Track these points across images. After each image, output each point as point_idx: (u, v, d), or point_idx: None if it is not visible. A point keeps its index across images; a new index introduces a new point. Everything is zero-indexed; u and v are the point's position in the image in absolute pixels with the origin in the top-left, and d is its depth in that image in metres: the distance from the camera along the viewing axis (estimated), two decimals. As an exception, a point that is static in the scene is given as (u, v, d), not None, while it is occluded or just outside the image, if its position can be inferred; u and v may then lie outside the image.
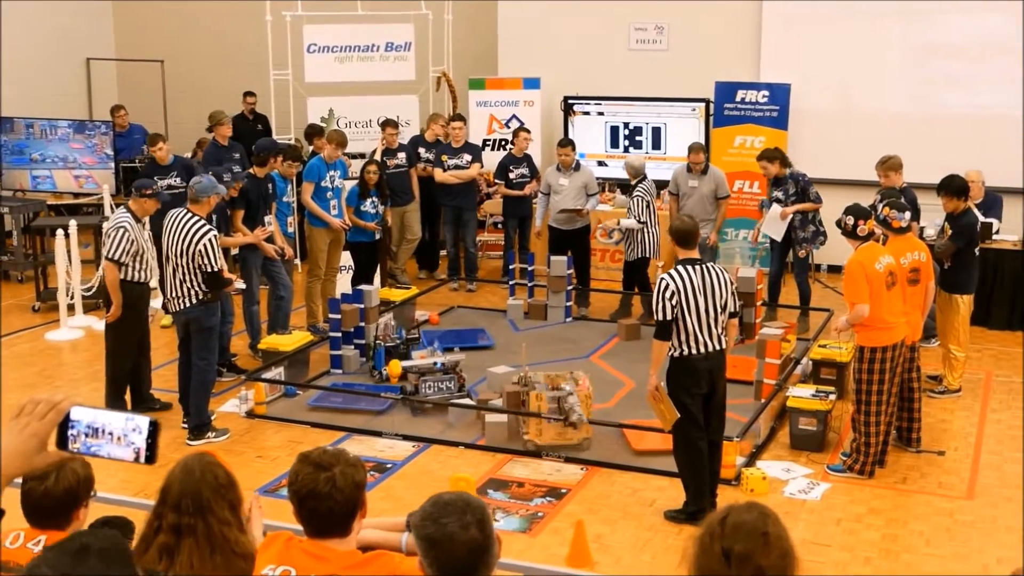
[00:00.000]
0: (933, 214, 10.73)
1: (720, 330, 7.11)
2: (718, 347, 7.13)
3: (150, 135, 12.30)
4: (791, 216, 11.24)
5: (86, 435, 2.50)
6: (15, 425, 2.46)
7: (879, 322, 7.72)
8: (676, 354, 7.09)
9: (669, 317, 6.98)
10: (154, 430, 2.51)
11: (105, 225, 10.00)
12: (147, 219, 9.22)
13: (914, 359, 8.46)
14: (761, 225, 11.66)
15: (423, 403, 9.22)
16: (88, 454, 2.53)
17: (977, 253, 9.76)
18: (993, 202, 11.77)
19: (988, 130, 12.98)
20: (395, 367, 9.68)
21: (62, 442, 2.50)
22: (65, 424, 2.50)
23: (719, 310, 7.07)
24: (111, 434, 2.51)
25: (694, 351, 7.05)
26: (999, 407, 9.54)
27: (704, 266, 7.12)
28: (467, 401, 9.22)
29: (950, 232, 9.65)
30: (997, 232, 11.68)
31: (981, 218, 11.26)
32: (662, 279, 7.02)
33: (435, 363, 9.48)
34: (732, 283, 7.28)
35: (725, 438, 7.95)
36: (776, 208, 11.35)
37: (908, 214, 8.40)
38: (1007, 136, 12.90)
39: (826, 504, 7.53)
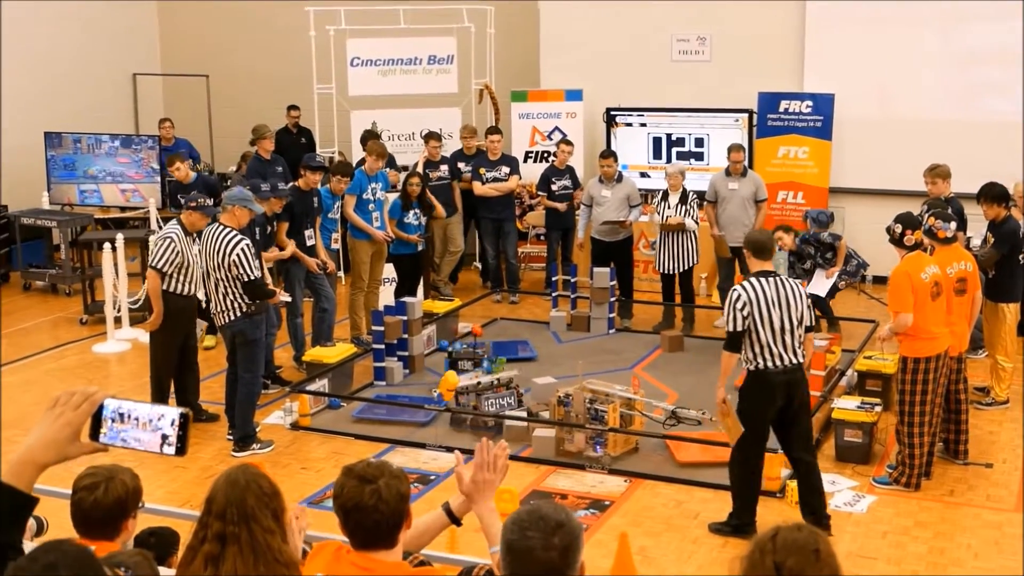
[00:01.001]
0: (980, 224, 10.62)
1: (797, 344, 7.04)
2: (795, 361, 7.03)
3: (168, 156, 12.27)
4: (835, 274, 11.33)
5: (113, 420, 2.54)
6: (50, 415, 2.53)
7: (923, 332, 7.66)
8: (752, 367, 7.02)
9: (740, 328, 6.92)
10: (185, 421, 2.55)
11: (152, 237, 10.09)
12: (196, 233, 9.30)
13: (961, 370, 8.38)
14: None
15: (470, 415, 9.19)
16: (116, 443, 2.56)
17: (1022, 260, 9.65)
18: (1041, 211, 11.63)
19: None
20: (451, 379, 9.40)
21: (95, 433, 2.55)
22: (99, 416, 2.54)
23: (795, 323, 6.98)
24: (138, 420, 2.55)
25: (770, 364, 6.96)
26: (1048, 419, 9.42)
27: (779, 278, 7.06)
28: (517, 413, 9.20)
29: (992, 240, 9.56)
30: (1045, 241, 11.53)
31: (1027, 226, 11.14)
32: (734, 290, 6.98)
33: (493, 380, 9.44)
34: (807, 296, 7.22)
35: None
36: (819, 274, 11.34)
37: (954, 224, 8.32)
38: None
39: (872, 517, 7.46)
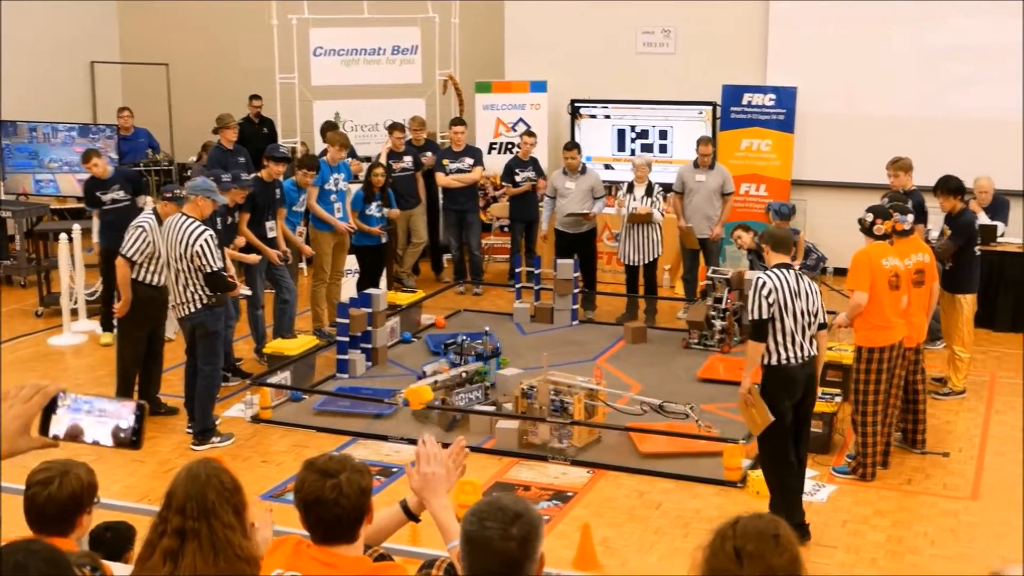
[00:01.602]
0: (940, 218, 10.72)
1: (813, 335, 7.02)
2: (813, 354, 7.02)
3: (83, 152, 12.00)
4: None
5: (66, 414, 2.51)
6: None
7: (879, 320, 7.72)
8: (774, 361, 6.93)
9: (766, 316, 6.85)
10: (141, 414, 2.52)
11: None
12: None
13: (919, 361, 8.46)
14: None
15: (433, 409, 9.16)
16: (69, 438, 2.53)
17: (978, 253, 9.74)
18: (1000, 205, 11.76)
19: (994, 133, 12.94)
20: (424, 394, 8.89)
21: (44, 428, 2.52)
22: (51, 409, 2.51)
23: (812, 317, 6.96)
24: (91, 413, 2.52)
25: (792, 359, 6.90)
26: (1003, 408, 9.52)
27: (797, 273, 7.04)
28: (485, 408, 9.17)
29: (949, 232, 9.65)
30: (1002, 235, 11.67)
31: (986, 220, 11.27)
32: (759, 278, 6.93)
33: (461, 373, 9.41)
34: (820, 293, 7.20)
35: (730, 440, 7.96)
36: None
37: (911, 216, 8.40)
38: (1013, 138, 12.87)
39: (832, 506, 7.52)
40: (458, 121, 13.70)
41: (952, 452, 8.56)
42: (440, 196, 13.85)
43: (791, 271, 6.99)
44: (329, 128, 13.08)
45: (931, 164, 11.38)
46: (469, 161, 13.37)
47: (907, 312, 8.00)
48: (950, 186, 9.58)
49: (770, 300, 6.83)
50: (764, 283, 6.87)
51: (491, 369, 9.78)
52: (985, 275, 10.60)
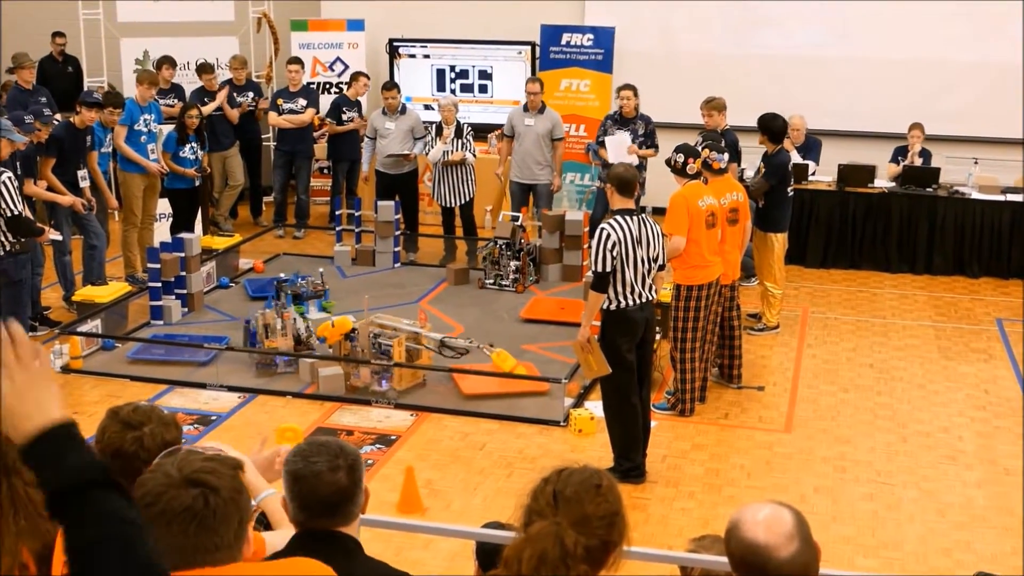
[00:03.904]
0: (754, 156, 10.97)
1: (651, 280, 7.04)
2: (650, 297, 7.04)
3: None
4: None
5: None
6: None
7: (697, 259, 7.84)
8: (612, 307, 6.92)
9: (609, 268, 6.80)
10: None
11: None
12: None
13: (734, 297, 8.67)
14: (605, 150, 11.54)
15: (253, 352, 8.96)
16: None
17: (791, 192, 9.99)
18: (812, 144, 12.11)
19: (807, 71, 13.32)
20: (344, 324, 8.61)
21: None
22: None
23: (652, 261, 6.97)
24: None
25: (630, 302, 6.91)
26: (815, 342, 9.87)
27: (640, 217, 6.99)
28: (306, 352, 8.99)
29: (763, 170, 9.87)
30: (813, 174, 12.03)
31: (798, 159, 11.58)
32: (603, 228, 6.83)
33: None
34: (662, 235, 7.19)
35: (553, 379, 8.02)
36: (626, 138, 11.36)
37: (726, 155, 8.56)
38: (825, 76, 13.27)
39: (652, 441, 7.63)
40: (295, 60, 13.35)
41: (767, 386, 8.82)
42: (270, 137, 13.48)
43: (634, 216, 6.97)
44: (162, 64, 12.57)
45: (744, 104, 11.65)
46: (303, 102, 13.02)
47: (722, 250, 8.17)
48: (774, 126, 9.71)
49: (613, 253, 6.80)
50: (608, 235, 6.81)
51: (307, 311, 9.58)
52: (797, 213, 10.90)
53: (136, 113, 11.06)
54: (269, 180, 13.69)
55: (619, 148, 11.26)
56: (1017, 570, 6.04)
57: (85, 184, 10.17)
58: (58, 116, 10.59)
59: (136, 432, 3.05)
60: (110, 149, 10.84)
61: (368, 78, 13.24)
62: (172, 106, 12.42)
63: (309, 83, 14.27)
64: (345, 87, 13.50)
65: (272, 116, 13.02)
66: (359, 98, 13.09)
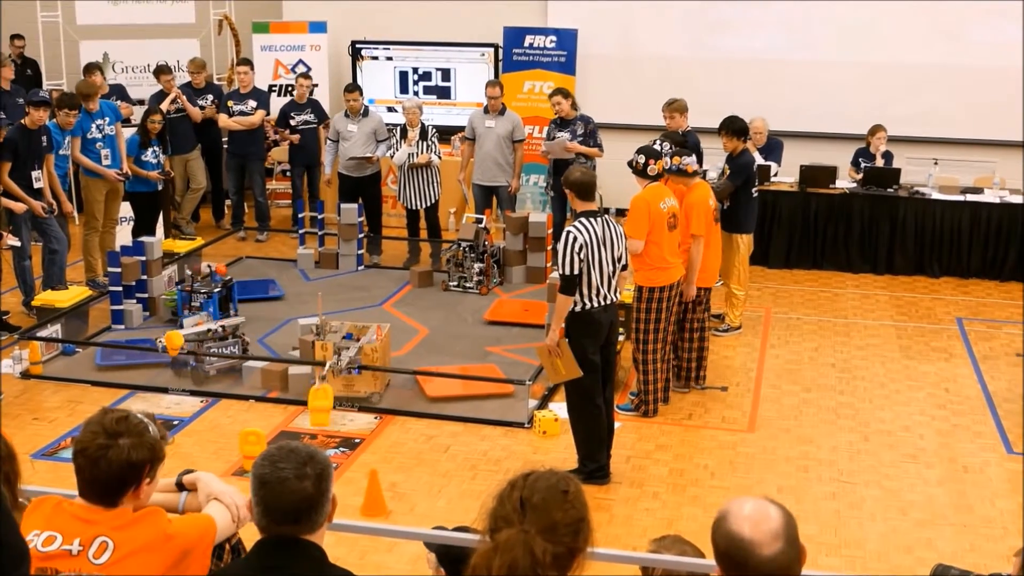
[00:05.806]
0: (716, 158, 11.02)
1: (616, 281, 7.05)
2: (614, 298, 7.05)
3: None
4: (573, 156, 11.27)
5: None
6: None
7: (658, 261, 7.85)
8: (578, 308, 6.91)
9: (577, 271, 6.80)
10: None
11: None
12: None
13: (704, 301, 8.69)
14: (544, 148, 11.66)
15: (208, 356, 8.90)
16: None
17: (755, 194, 10.05)
18: (774, 146, 12.18)
19: (768, 73, 13.39)
20: (175, 339, 8.72)
21: None
22: None
23: (616, 263, 6.99)
24: None
25: (595, 304, 6.91)
26: (778, 343, 9.92)
27: (604, 219, 7.00)
28: (258, 353, 8.98)
29: (728, 172, 9.92)
30: (775, 175, 12.10)
31: (760, 160, 11.64)
32: (569, 232, 6.82)
33: (218, 328, 9.09)
34: (624, 236, 7.21)
35: (517, 382, 8.02)
36: (565, 137, 11.40)
37: (694, 157, 8.61)
38: (785, 79, 13.35)
39: (616, 442, 7.63)
40: (244, 61, 13.26)
41: (730, 386, 8.86)
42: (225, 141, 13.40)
43: (598, 219, 6.98)
44: (87, 71, 12.34)
45: (706, 106, 11.71)
46: (253, 104, 12.95)
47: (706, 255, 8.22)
48: (735, 127, 9.79)
49: (581, 255, 6.80)
50: (575, 238, 6.81)
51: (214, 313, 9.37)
52: (760, 214, 10.95)
53: (87, 122, 10.94)
54: (230, 183, 13.62)
55: (556, 148, 11.36)
56: (976, 567, 6.10)
57: (40, 185, 10.06)
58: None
59: (105, 442, 3.04)
60: (68, 152, 10.73)
61: (309, 79, 13.13)
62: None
63: (271, 85, 14.22)
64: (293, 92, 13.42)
65: (222, 118, 12.94)
66: (310, 99, 13.01)
